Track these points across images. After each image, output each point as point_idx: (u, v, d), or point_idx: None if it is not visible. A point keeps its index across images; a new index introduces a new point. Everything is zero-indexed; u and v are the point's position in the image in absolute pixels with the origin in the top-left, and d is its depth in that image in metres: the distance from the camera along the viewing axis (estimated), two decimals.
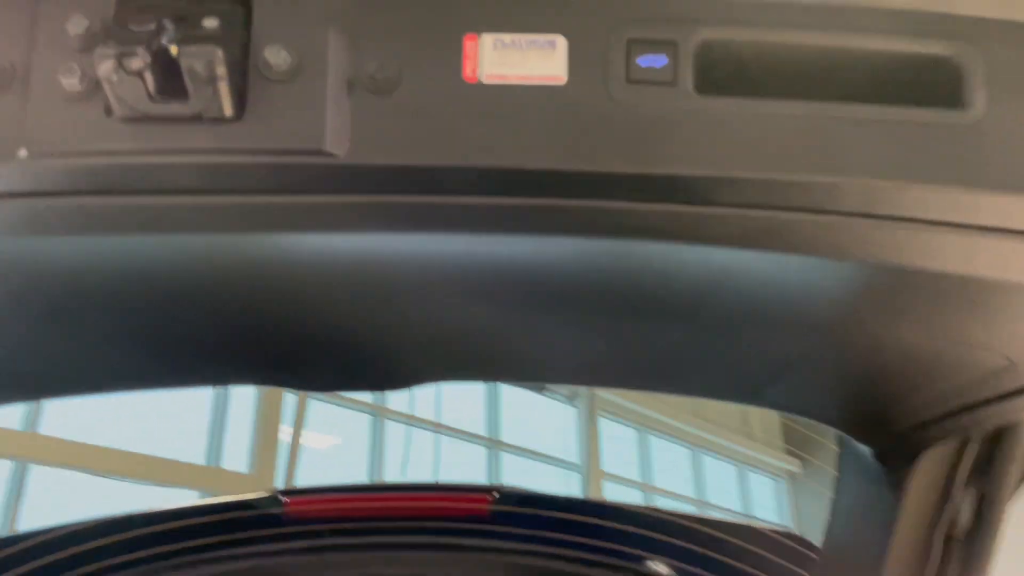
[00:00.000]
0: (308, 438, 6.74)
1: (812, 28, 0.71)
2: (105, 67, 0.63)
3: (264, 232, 0.74)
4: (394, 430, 7.18)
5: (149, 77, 0.65)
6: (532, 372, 1.38)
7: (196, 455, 6.29)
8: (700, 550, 1.59)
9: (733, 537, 1.63)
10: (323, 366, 1.20)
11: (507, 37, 0.71)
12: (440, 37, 0.71)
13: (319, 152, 0.67)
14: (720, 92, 0.70)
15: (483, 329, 1.06)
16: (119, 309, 0.94)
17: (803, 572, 1.52)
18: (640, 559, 1.60)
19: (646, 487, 9.66)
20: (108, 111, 0.67)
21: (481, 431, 7.92)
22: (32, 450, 5.48)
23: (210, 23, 0.66)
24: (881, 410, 1.15)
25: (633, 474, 9.59)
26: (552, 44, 0.71)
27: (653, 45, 0.70)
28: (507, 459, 8.08)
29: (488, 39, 0.71)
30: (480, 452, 7.91)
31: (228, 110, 0.66)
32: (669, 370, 1.16)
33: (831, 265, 0.79)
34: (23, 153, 0.67)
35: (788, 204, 0.72)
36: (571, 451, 8.84)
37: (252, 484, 6.24)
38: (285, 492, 1.59)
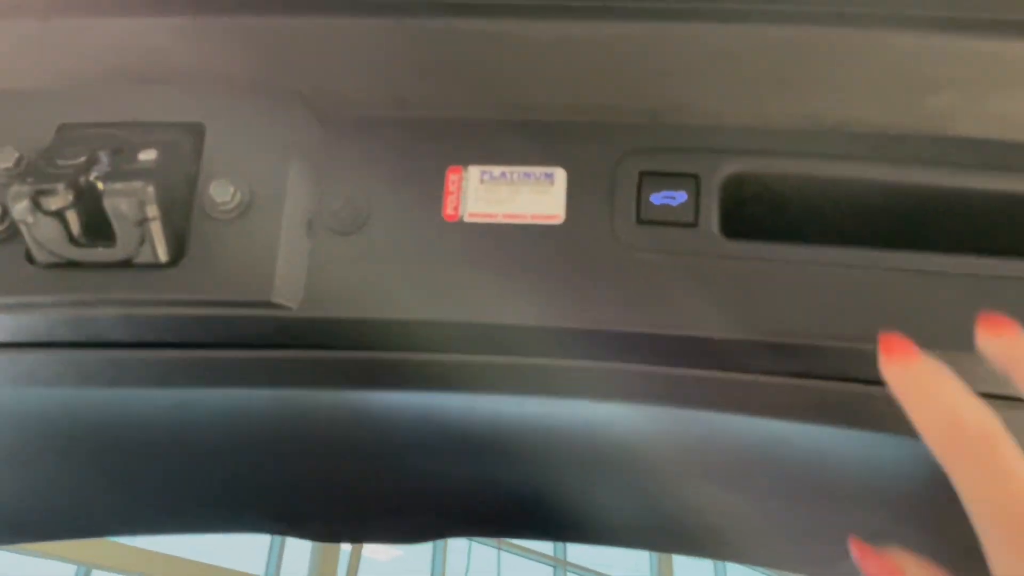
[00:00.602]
0: (370, 548, 6.58)
1: (865, 159, 0.59)
2: (19, 207, 0.55)
3: (210, 388, 0.63)
4: (456, 544, 6.95)
5: (71, 218, 0.56)
6: (562, 533, 1.23)
7: (257, 564, 6.18)
8: None
9: None
10: (329, 518, 1.08)
11: (496, 170, 0.60)
12: (418, 168, 0.60)
13: (267, 304, 0.57)
14: (754, 235, 0.58)
15: (498, 487, 0.93)
16: (86, 457, 0.84)
17: None
18: None
19: None
20: (30, 256, 0.58)
21: (547, 549, 7.60)
22: (95, 556, 5.47)
23: (147, 156, 0.57)
24: None
25: None
26: (550, 178, 0.60)
27: (670, 179, 0.59)
28: None
29: (474, 171, 0.60)
30: (546, 571, 7.57)
31: (162, 255, 0.57)
32: (733, 541, 1.00)
33: (903, 441, 0.65)
34: None
35: (844, 375, 0.58)
36: (643, 570, 8.41)
37: None
38: None
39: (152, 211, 0.55)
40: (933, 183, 0.58)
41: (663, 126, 0.60)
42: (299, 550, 6.32)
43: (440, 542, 6.97)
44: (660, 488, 0.92)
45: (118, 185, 0.54)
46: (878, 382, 0.59)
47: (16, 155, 0.58)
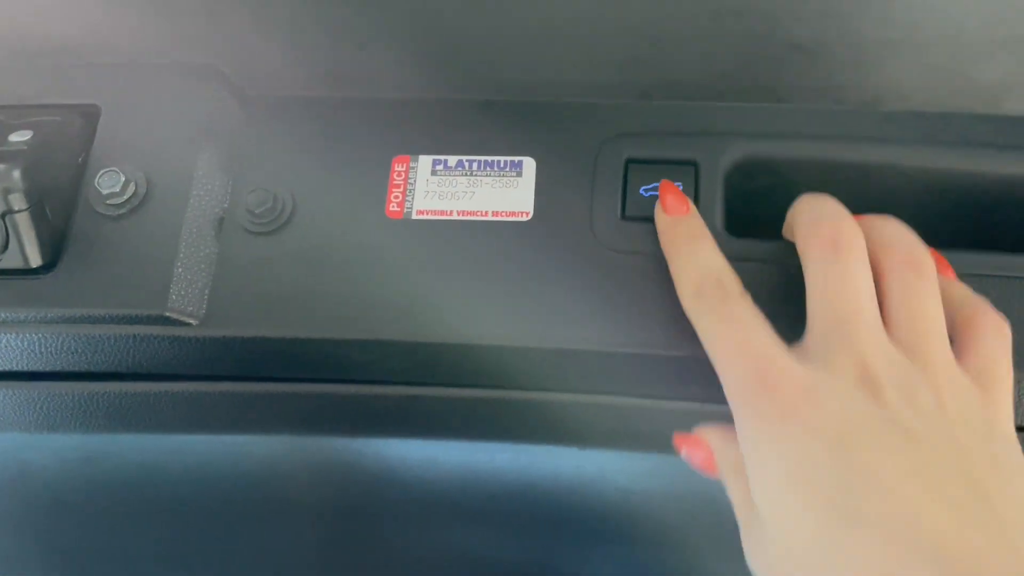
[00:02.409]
0: None
1: (900, 143, 0.48)
2: None
3: (88, 432, 0.51)
4: None
5: None
6: None
7: None
8: None
9: None
10: None
11: (452, 159, 0.50)
12: (357, 157, 0.50)
13: (161, 319, 0.46)
14: (764, 235, 0.47)
15: (477, 553, 0.80)
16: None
17: None
18: None
19: None
20: None
21: None
22: None
23: (19, 137, 0.46)
24: None
25: None
26: (516, 167, 0.49)
27: (663, 168, 0.48)
28: None
29: (425, 161, 0.50)
30: None
31: (33, 258, 0.46)
32: None
33: None
34: None
35: None
36: None
37: None
38: None
39: (18, 201, 0.44)
40: (981, 169, 0.47)
41: (655, 105, 0.50)
42: None
43: None
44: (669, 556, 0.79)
45: None
46: None
47: None
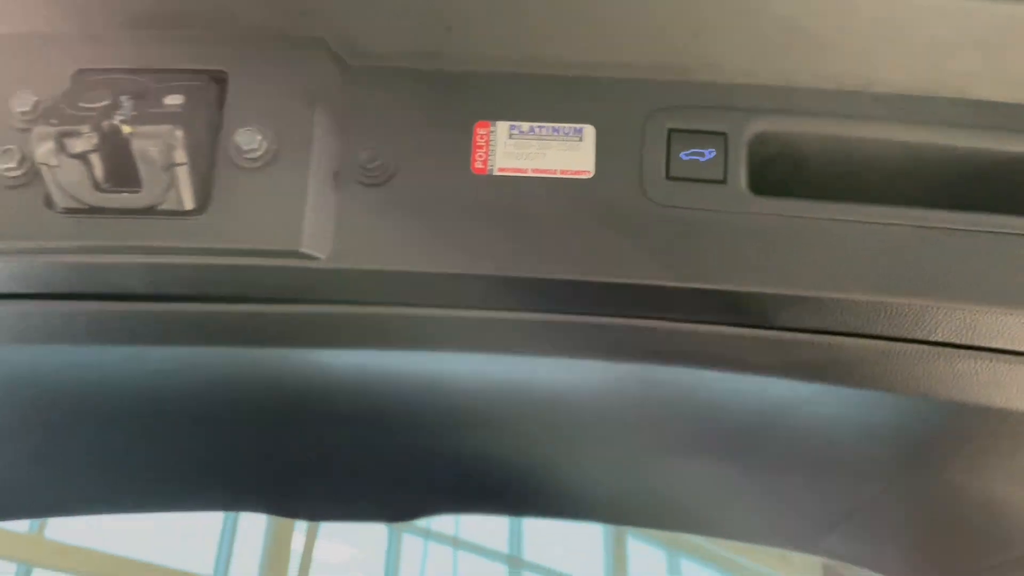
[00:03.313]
0: (323, 548, 6.49)
1: (888, 120, 0.60)
2: (43, 149, 0.53)
3: (229, 346, 0.62)
4: (411, 543, 6.90)
5: (95, 161, 0.54)
6: (552, 508, 1.24)
7: (205, 564, 6.06)
8: None
9: None
10: (323, 495, 1.06)
11: (525, 125, 0.60)
12: (446, 121, 0.60)
13: (295, 254, 0.56)
14: (779, 192, 0.59)
15: (496, 459, 0.92)
16: (79, 424, 0.82)
17: None
18: None
19: None
20: (48, 202, 0.56)
21: (502, 547, 7.59)
22: (37, 555, 5.31)
23: (173, 100, 0.55)
24: (950, 562, 1.00)
25: None
26: (579, 133, 0.60)
27: (699, 136, 0.59)
28: None
29: (503, 126, 0.60)
30: (501, 571, 7.55)
31: (188, 202, 0.56)
32: (711, 512, 1.00)
33: (906, 401, 0.66)
34: None
35: (859, 330, 0.59)
36: (597, 571, 8.44)
37: None
38: None
39: (180, 156, 0.54)
40: (951, 144, 0.59)
41: (692, 84, 0.61)
42: (250, 551, 6.21)
43: (394, 543, 6.92)
44: (654, 461, 0.92)
45: (147, 128, 0.53)
46: (889, 338, 0.60)
47: (34, 99, 0.57)
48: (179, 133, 0.54)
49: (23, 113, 0.56)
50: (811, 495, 0.92)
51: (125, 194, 0.55)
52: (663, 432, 0.80)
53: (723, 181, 0.58)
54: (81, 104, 0.54)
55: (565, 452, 0.87)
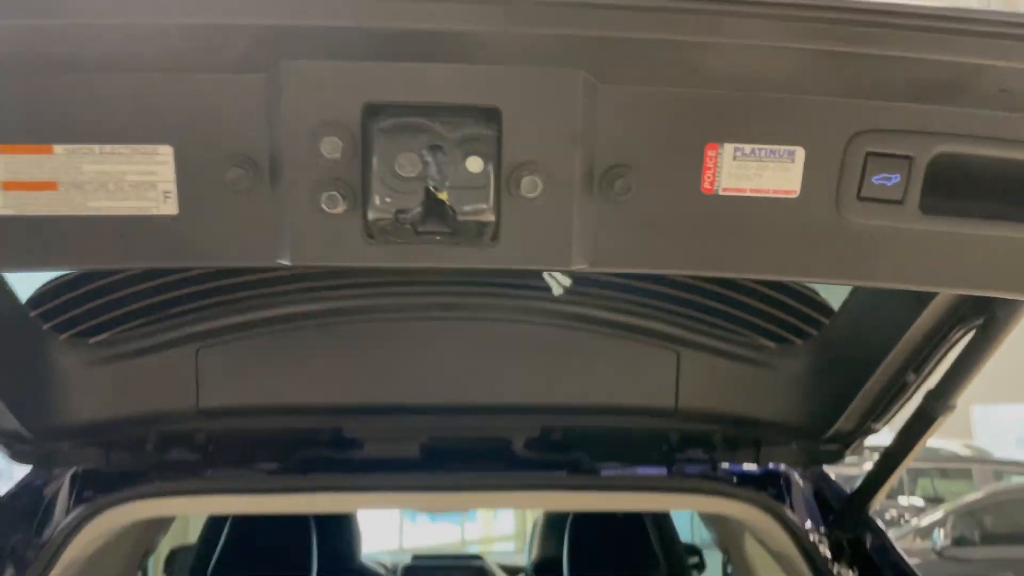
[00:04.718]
0: None
1: None
2: (382, 219, 0.66)
3: None
4: None
5: (417, 216, 0.67)
6: None
7: None
8: None
9: None
10: None
11: (747, 147, 0.71)
12: (680, 144, 0.71)
13: (566, 271, 0.72)
14: (946, 212, 0.73)
15: None
16: None
17: None
18: None
19: None
20: (369, 234, 0.69)
21: None
22: None
23: (474, 166, 0.66)
24: None
25: None
26: (791, 155, 0.71)
27: (891, 161, 0.71)
28: None
29: (729, 148, 0.71)
30: None
31: (488, 237, 0.69)
32: None
33: None
34: (285, 262, 0.71)
35: None
36: None
37: None
38: None
39: (488, 216, 0.67)
40: None
41: (887, 107, 0.70)
42: None
43: None
44: None
45: (469, 208, 0.65)
46: None
47: (340, 145, 0.66)
48: (488, 198, 0.66)
49: (333, 160, 0.66)
50: None
51: (437, 235, 0.68)
52: None
53: (902, 202, 0.72)
54: (398, 172, 0.65)
55: None
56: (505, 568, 2.46)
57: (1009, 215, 0.73)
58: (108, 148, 0.68)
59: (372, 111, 0.67)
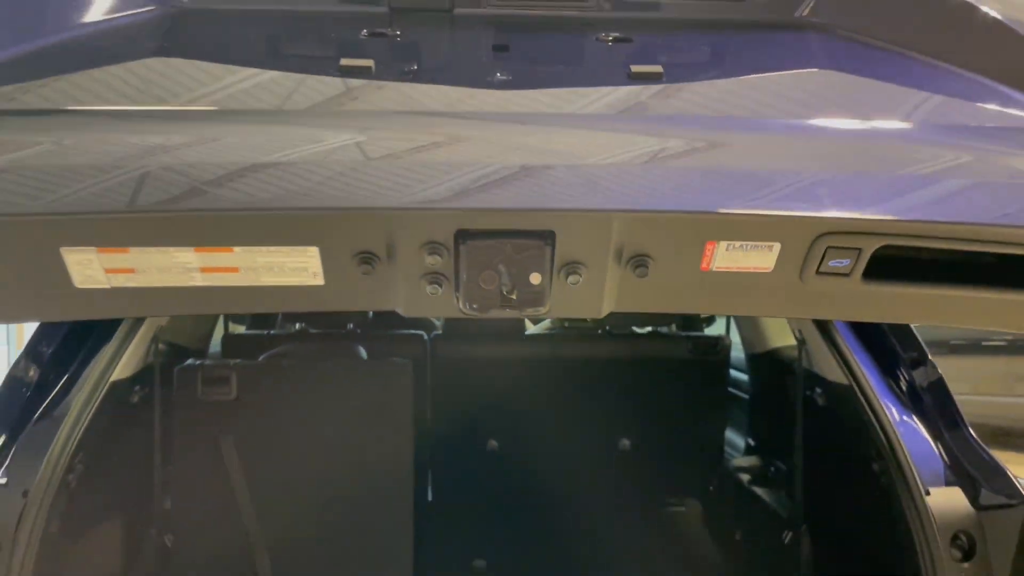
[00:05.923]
0: None
1: (965, 240, 0.96)
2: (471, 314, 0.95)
3: None
4: None
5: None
6: None
7: None
8: None
9: None
10: None
11: (737, 243, 0.96)
12: (687, 240, 0.95)
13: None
14: (882, 280, 0.99)
15: None
16: None
17: None
18: None
19: None
20: (459, 303, 0.98)
21: None
22: None
23: (536, 280, 0.93)
24: None
25: None
26: (770, 248, 0.96)
27: (844, 252, 0.96)
28: None
29: (723, 244, 0.96)
30: None
31: (544, 309, 0.98)
32: None
33: None
34: (401, 310, 1.01)
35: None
36: None
37: None
38: None
39: (544, 307, 0.95)
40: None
41: (845, 218, 0.94)
42: None
43: None
44: None
45: (530, 310, 0.94)
46: None
47: (439, 261, 0.93)
48: (541, 296, 0.94)
49: (429, 269, 0.94)
50: None
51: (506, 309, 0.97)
52: None
53: (848, 275, 0.98)
54: (481, 286, 0.92)
55: None
56: None
57: (924, 279, 1.00)
58: (273, 248, 0.95)
59: (463, 236, 0.92)
